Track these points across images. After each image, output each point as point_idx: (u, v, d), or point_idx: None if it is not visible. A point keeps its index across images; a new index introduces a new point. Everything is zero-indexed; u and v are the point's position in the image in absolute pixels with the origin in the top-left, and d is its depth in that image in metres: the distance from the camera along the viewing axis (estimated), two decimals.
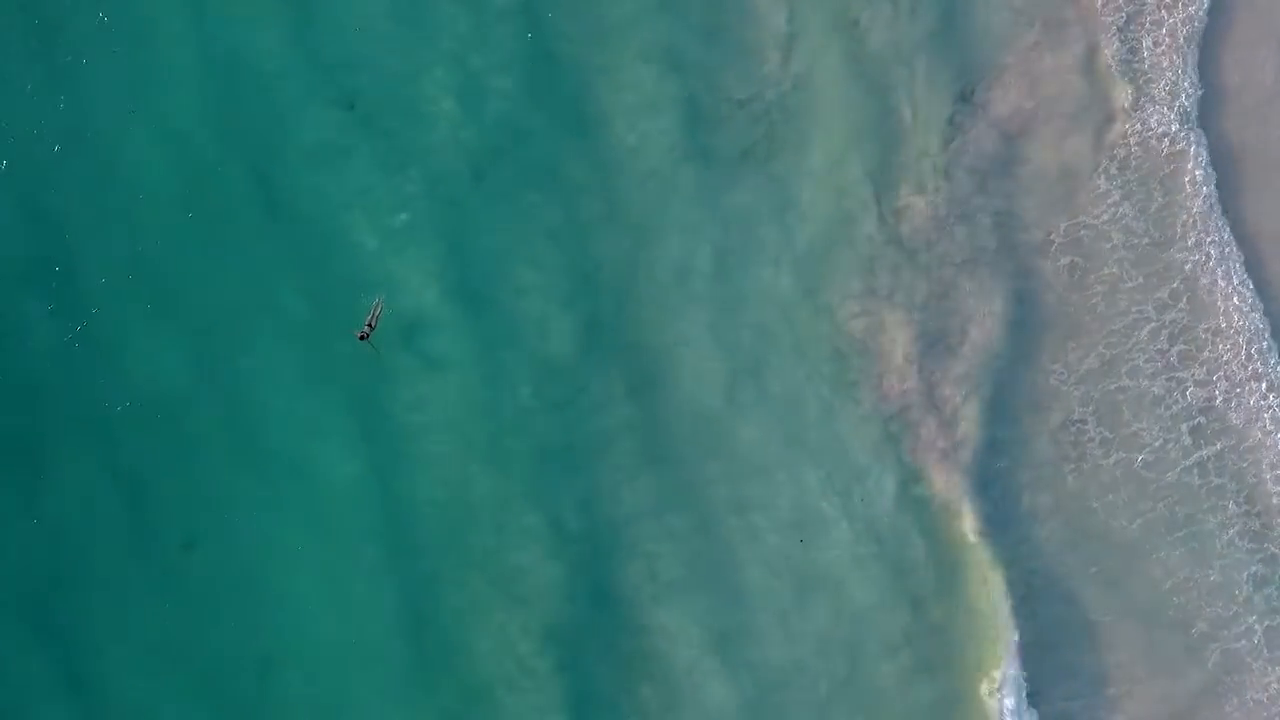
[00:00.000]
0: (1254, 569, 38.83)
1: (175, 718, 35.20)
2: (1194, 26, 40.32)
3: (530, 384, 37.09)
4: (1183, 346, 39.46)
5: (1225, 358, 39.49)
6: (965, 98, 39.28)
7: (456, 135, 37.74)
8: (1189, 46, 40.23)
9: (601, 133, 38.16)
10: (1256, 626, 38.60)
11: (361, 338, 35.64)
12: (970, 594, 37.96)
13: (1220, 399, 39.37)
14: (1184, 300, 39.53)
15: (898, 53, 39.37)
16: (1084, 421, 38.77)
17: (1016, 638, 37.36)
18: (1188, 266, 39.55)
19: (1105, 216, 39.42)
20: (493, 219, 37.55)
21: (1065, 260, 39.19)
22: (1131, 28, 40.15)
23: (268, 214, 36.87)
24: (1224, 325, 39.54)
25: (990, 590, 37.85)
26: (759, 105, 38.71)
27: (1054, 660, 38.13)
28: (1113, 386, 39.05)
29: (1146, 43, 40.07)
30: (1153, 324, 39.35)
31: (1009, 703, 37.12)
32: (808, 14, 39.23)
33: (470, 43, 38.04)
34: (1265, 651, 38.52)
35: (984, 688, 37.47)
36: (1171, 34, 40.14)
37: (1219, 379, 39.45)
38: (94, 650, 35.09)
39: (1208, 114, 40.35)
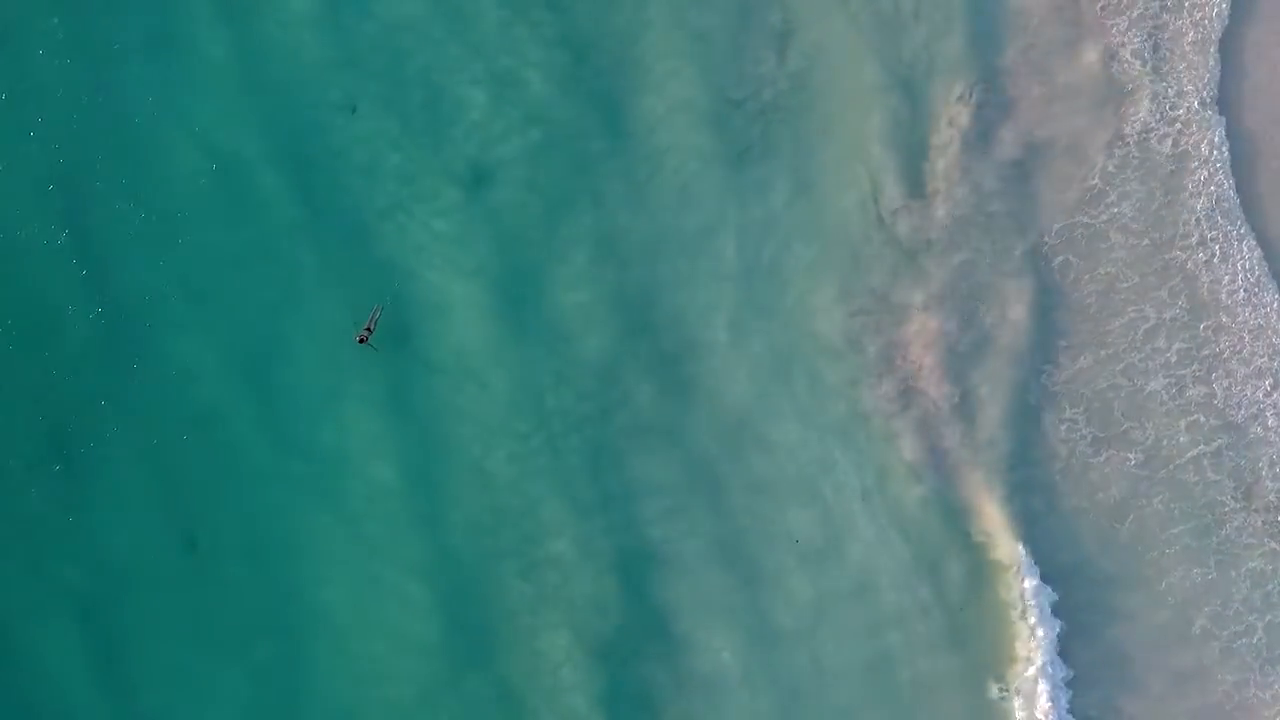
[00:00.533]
0: (1253, 564, 38.78)
1: (205, 712, 36.26)
2: (1207, 27, 40.16)
3: (560, 385, 37.86)
4: (1182, 344, 39.40)
5: (1225, 354, 39.46)
6: (965, 99, 39.32)
7: (480, 134, 38.42)
8: (1201, 46, 40.05)
9: (609, 126, 38.87)
10: (1257, 624, 38.49)
11: (360, 340, 36.50)
12: (977, 593, 38.18)
13: (1221, 395, 39.42)
14: (1182, 298, 39.46)
15: (898, 52, 39.46)
16: (1074, 421, 38.84)
17: (1050, 633, 37.58)
18: (1190, 265, 39.47)
19: (1104, 216, 39.37)
20: (522, 216, 38.19)
21: (1065, 259, 39.19)
22: (1138, 29, 40.03)
23: (301, 216, 37.66)
24: (1226, 321, 39.51)
25: (1001, 589, 38.10)
26: (755, 105, 38.95)
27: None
28: (1105, 385, 39.12)
29: (1152, 44, 39.90)
30: (1150, 323, 39.36)
31: (1032, 699, 37.46)
32: (804, 11, 39.35)
33: (498, 41, 38.71)
34: (1266, 650, 38.37)
35: (995, 689, 37.80)
36: (1181, 34, 40.00)
37: (1218, 376, 39.43)
38: (126, 642, 36.16)
39: (1217, 112, 40.17)
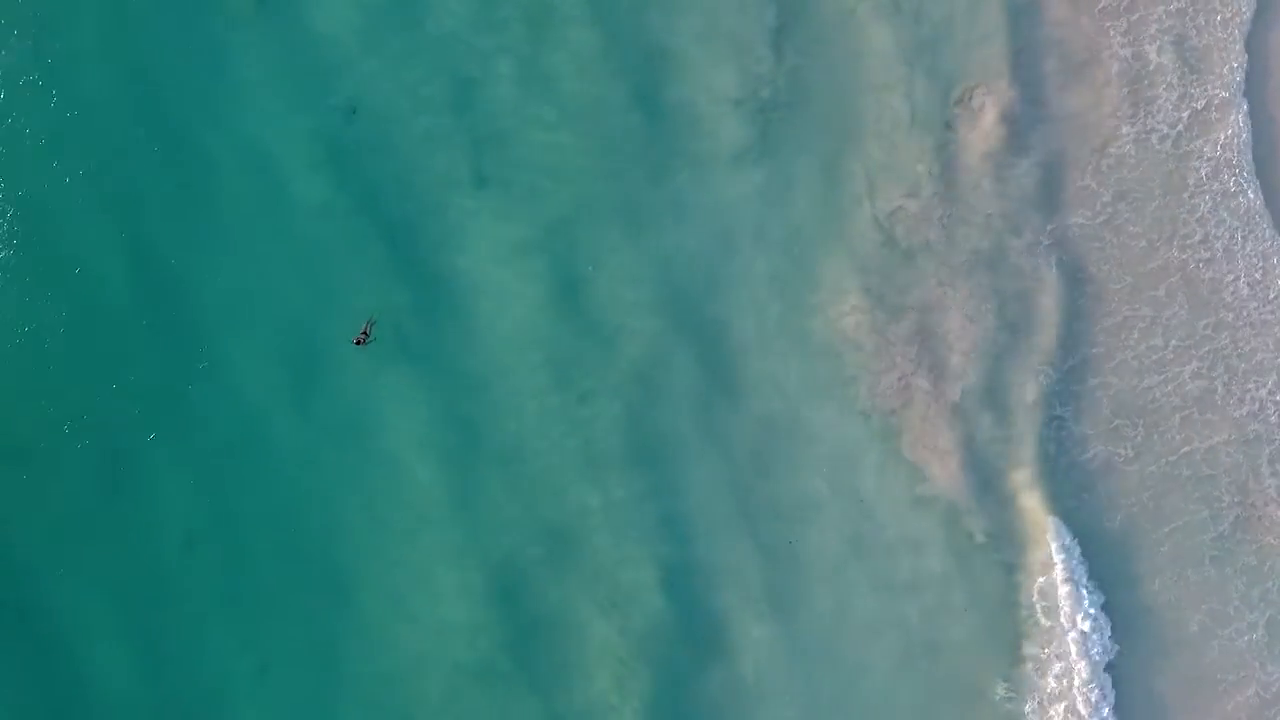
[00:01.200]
0: (1248, 560, 38.76)
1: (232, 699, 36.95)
2: (1211, 32, 40.09)
3: (602, 391, 38.45)
4: (1179, 342, 39.45)
5: (1226, 350, 39.49)
6: (965, 100, 39.45)
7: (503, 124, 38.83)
8: (1204, 52, 40.06)
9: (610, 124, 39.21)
10: (1258, 621, 38.39)
11: (357, 343, 37.41)
12: (978, 593, 38.33)
13: (1221, 391, 39.43)
14: (1180, 295, 39.49)
15: (898, 51, 39.56)
16: (1065, 419, 38.95)
17: (1081, 630, 37.85)
18: (1191, 265, 39.48)
19: (1102, 216, 39.43)
20: (538, 203, 38.64)
21: (1063, 259, 39.27)
22: (1139, 31, 40.02)
23: (339, 213, 38.14)
24: (1230, 319, 39.57)
25: (1007, 589, 38.32)
26: (754, 104, 39.07)
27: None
28: (1096, 383, 39.21)
29: (1156, 47, 39.91)
30: (1145, 323, 39.46)
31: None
32: (800, 8, 39.52)
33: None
34: (1266, 649, 38.25)
35: (999, 690, 37.97)
36: (1184, 38, 40.04)
37: (1219, 372, 39.43)
38: (158, 628, 36.92)
39: (1221, 113, 40.05)
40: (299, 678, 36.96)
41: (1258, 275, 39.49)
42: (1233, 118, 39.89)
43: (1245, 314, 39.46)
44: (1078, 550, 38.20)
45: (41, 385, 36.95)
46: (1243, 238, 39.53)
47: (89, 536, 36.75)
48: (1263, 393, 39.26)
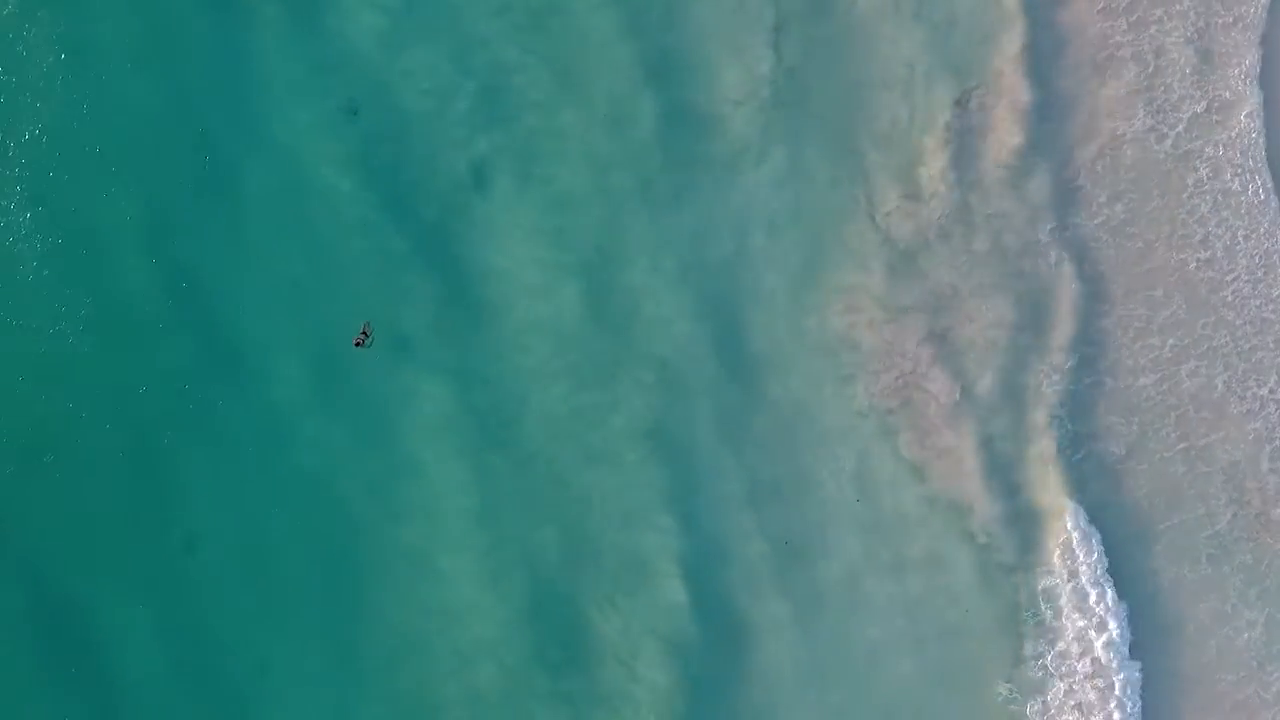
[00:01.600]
0: (1244, 559, 38.71)
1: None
2: (1209, 36, 40.23)
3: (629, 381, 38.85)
4: (1175, 341, 39.46)
5: (1226, 349, 39.48)
6: (964, 102, 39.57)
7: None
8: (1207, 56, 40.16)
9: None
10: (1257, 620, 38.35)
11: (356, 344, 37.91)
12: (980, 592, 38.41)
13: (1221, 389, 39.42)
14: (1178, 295, 39.48)
15: (899, 52, 39.68)
16: (1060, 417, 38.93)
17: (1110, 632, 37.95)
18: (1191, 265, 39.50)
19: (1099, 218, 39.51)
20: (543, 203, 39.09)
21: (1059, 258, 39.30)
22: (1138, 33, 40.13)
23: (364, 216, 38.67)
24: (1231, 318, 39.58)
25: (1007, 589, 38.45)
26: (754, 104, 39.31)
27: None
28: (1089, 382, 39.25)
29: (1154, 49, 40.10)
30: (1142, 322, 39.51)
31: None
32: (801, 8, 39.71)
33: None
34: (1264, 647, 38.17)
35: (1002, 691, 38.04)
36: (1188, 41, 40.15)
37: (1219, 370, 39.44)
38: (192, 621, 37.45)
39: (1221, 115, 40.07)
40: (309, 671, 37.40)
41: (1259, 274, 39.52)
42: (1237, 117, 39.93)
43: (1246, 312, 39.45)
44: (1081, 549, 38.20)
45: (63, 382, 37.55)
46: (1244, 236, 39.50)
47: (108, 531, 37.26)
48: (1264, 391, 39.19)
